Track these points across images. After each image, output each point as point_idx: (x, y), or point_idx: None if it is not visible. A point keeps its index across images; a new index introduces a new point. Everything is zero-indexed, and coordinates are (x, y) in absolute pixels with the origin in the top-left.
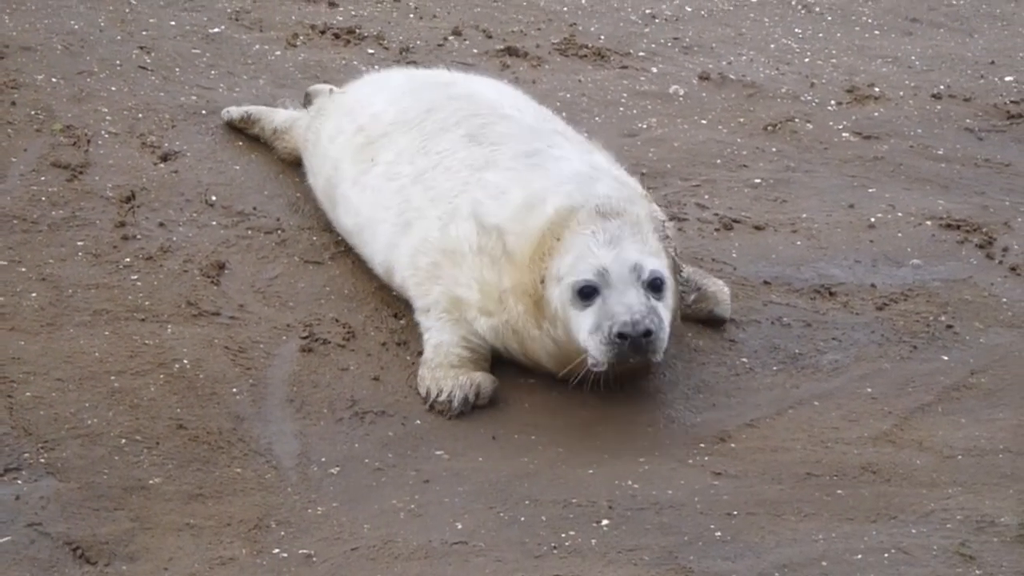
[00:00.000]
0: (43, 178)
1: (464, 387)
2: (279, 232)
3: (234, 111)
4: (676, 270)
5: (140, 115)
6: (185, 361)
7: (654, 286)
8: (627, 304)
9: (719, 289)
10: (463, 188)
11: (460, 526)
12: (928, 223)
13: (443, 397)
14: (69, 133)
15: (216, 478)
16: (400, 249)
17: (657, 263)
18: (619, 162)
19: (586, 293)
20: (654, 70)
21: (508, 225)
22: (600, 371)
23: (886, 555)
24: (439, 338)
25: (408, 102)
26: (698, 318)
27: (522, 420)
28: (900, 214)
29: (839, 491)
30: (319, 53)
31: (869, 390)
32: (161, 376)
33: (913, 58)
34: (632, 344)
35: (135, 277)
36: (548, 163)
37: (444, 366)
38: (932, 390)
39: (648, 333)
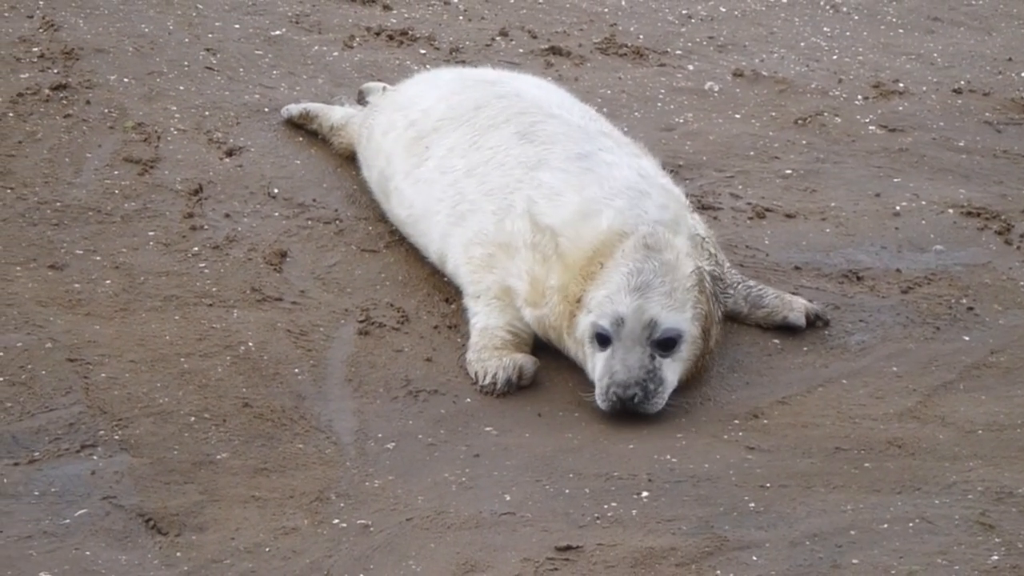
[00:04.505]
0: (116, 172)
1: (507, 368)
2: (337, 222)
3: (293, 108)
4: (707, 318)
5: (207, 113)
6: (250, 344)
7: (665, 344)
8: (628, 365)
9: (793, 299)
10: (517, 186)
11: (508, 498)
12: (950, 211)
13: (488, 380)
14: (140, 130)
15: (279, 453)
16: (454, 239)
17: (676, 318)
18: (657, 154)
19: (602, 339)
20: (690, 67)
21: (562, 229)
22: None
23: (911, 524)
24: (486, 322)
25: (457, 99)
26: (773, 325)
27: (566, 398)
28: (923, 203)
29: (866, 464)
30: (374, 54)
31: (895, 369)
32: (228, 358)
33: (935, 55)
34: (622, 403)
35: (203, 265)
36: (600, 168)
37: (488, 348)
38: (954, 369)
39: (637, 398)
